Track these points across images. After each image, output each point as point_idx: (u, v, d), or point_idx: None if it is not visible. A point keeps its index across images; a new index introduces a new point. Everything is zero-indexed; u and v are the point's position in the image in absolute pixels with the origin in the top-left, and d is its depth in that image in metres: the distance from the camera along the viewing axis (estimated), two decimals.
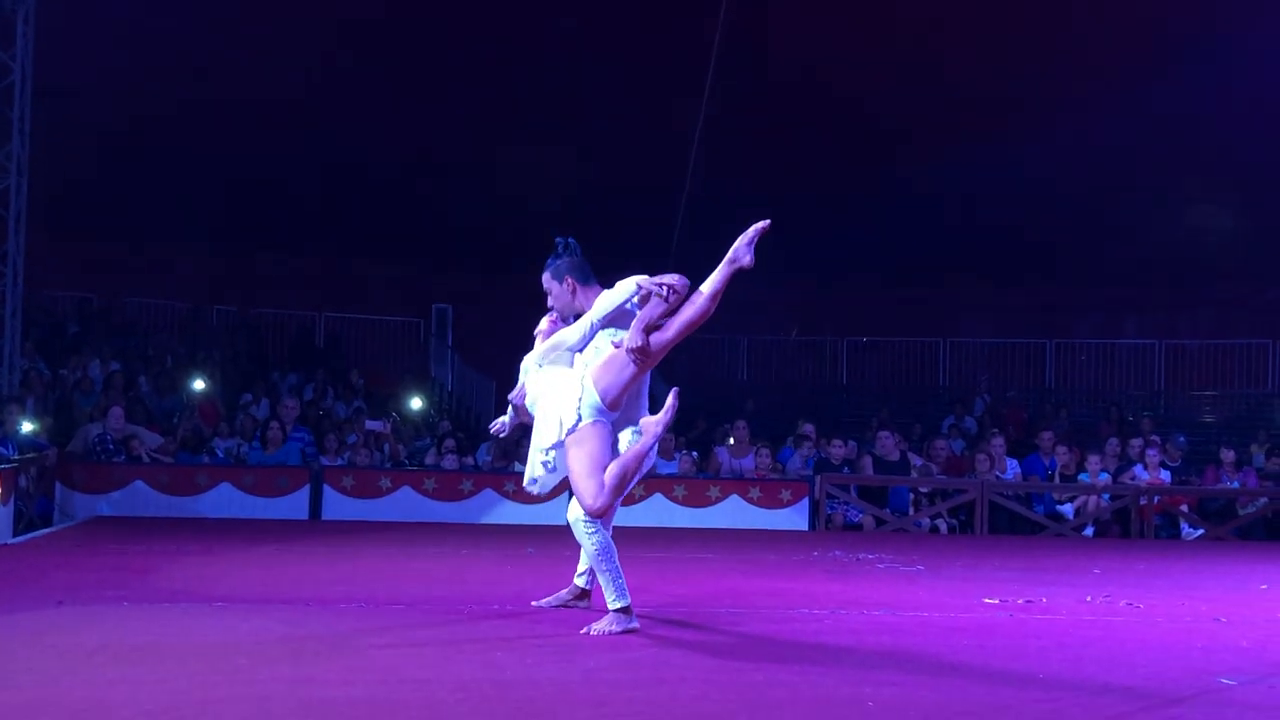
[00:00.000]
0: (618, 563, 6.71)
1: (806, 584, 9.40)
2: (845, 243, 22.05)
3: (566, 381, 6.83)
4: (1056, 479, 16.62)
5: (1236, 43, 18.09)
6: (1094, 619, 7.78)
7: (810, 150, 20.96)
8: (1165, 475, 16.63)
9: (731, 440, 16.90)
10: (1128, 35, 18.71)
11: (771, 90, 20.07)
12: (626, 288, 6.86)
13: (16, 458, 12.83)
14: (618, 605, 6.65)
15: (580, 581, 7.56)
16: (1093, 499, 16.23)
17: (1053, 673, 5.84)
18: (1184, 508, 16.26)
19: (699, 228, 20.88)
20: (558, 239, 7.12)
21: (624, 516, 13.00)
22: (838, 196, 21.44)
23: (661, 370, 19.79)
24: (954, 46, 19.06)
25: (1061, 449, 16.95)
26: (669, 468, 15.87)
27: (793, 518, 15.50)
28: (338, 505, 14.92)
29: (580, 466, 6.62)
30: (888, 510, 15.89)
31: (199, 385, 17.41)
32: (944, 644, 6.63)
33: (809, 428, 17.26)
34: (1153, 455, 16.75)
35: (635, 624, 6.65)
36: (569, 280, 7.05)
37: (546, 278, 7.13)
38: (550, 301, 7.15)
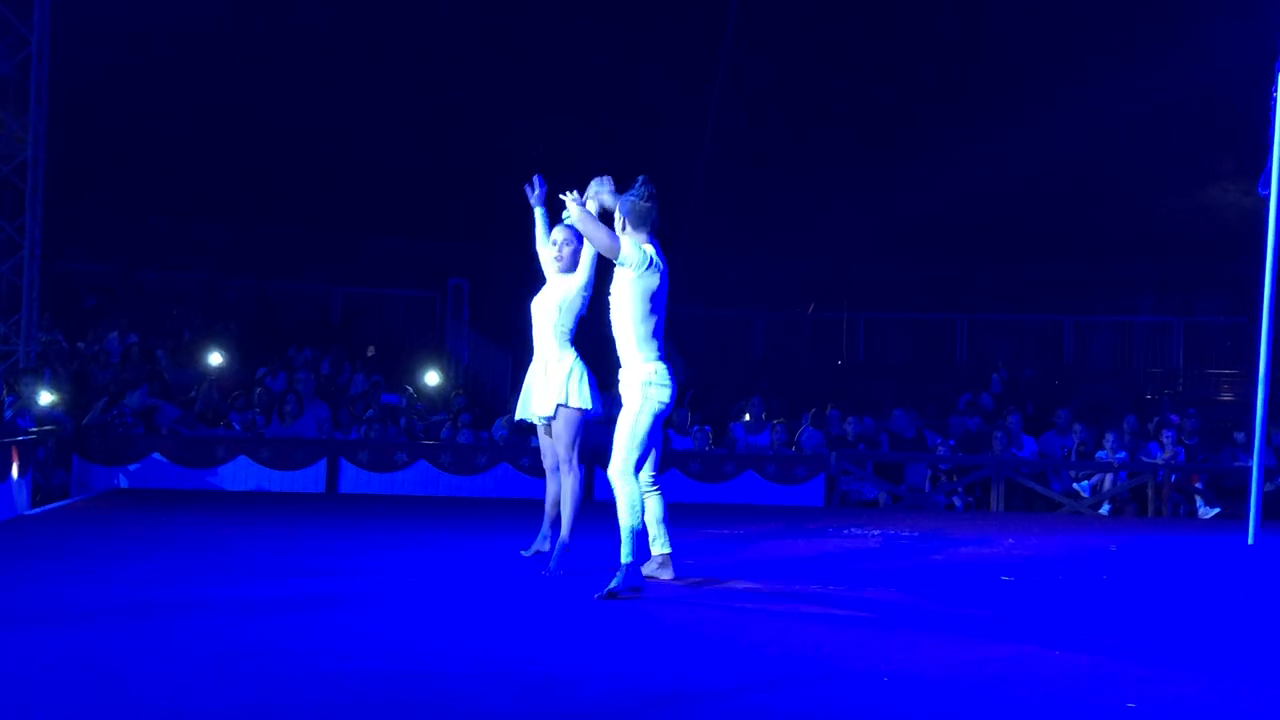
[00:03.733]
0: (642, 520, 7.23)
1: (820, 561, 9.40)
2: (863, 219, 22.01)
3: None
4: (1073, 457, 16.57)
5: (1254, 11, 17.97)
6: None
7: (828, 128, 20.90)
8: (1181, 453, 16.58)
9: (747, 416, 16.88)
10: (1142, 5, 18.64)
11: (788, 68, 20.01)
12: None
13: (34, 430, 12.87)
14: (629, 560, 7.08)
15: (658, 549, 7.76)
16: (1109, 477, 16.19)
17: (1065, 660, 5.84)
18: (1199, 485, 16.21)
19: (716, 203, 20.84)
20: (641, 178, 7.50)
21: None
22: (855, 174, 21.39)
23: (678, 344, 19.77)
24: (972, 21, 18.99)
25: (1078, 427, 16.90)
26: (684, 443, 15.85)
27: (808, 494, 15.49)
28: (354, 479, 14.95)
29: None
30: (903, 487, 15.87)
31: (216, 359, 17.44)
32: (955, 622, 6.63)
33: (834, 413, 17.15)
34: (1169, 436, 16.68)
35: (641, 583, 7.15)
36: (621, 218, 7.48)
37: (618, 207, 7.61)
38: (615, 228, 7.59)
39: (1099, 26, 19.28)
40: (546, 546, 8.28)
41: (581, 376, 7.99)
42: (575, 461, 7.94)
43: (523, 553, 8.54)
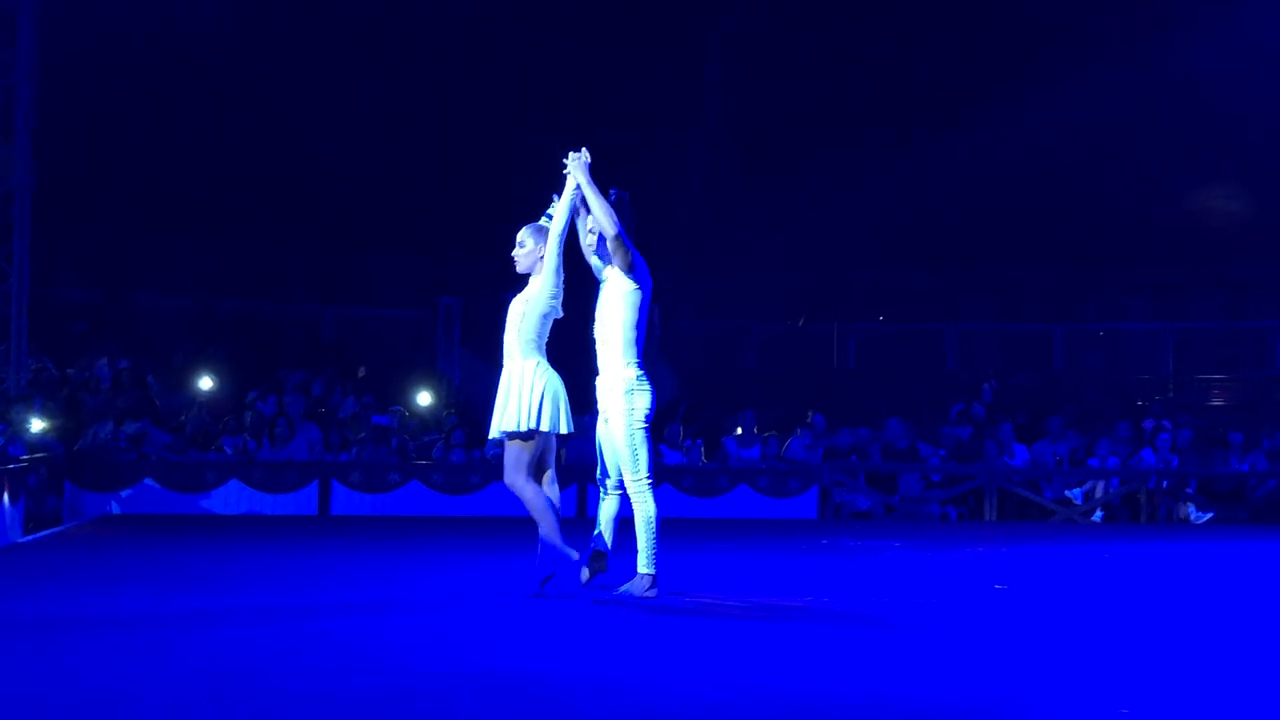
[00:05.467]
0: (657, 531, 7.40)
1: (816, 573, 9.40)
2: (853, 230, 22.07)
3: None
4: (1065, 464, 16.59)
5: (1248, 19, 18.07)
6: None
7: (815, 139, 20.98)
8: (1174, 459, 16.62)
9: (739, 430, 16.87)
10: (1131, 6, 18.77)
11: (776, 77, 20.09)
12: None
13: (25, 457, 12.83)
14: (649, 571, 7.35)
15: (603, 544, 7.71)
16: (1101, 484, 16.21)
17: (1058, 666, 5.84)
18: (1189, 490, 16.25)
19: (707, 215, 20.88)
20: (612, 189, 7.52)
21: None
22: (844, 185, 21.47)
23: (669, 358, 19.88)
24: (950, 23, 19.10)
25: (1070, 434, 16.91)
26: (677, 458, 15.84)
27: (801, 507, 15.48)
28: (346, 500, 14.92)
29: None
30: (896, 498, 15.87)
31: (206, 383, 17.40)
32: (953, 632, 6.63)
33: (819, 418, 17.15)
34: (1164, 440, 16.73)
35: (655, 591, 7.36)
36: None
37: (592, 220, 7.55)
38: (589, 243, 7.60)
39: (1083, 25, 19.43)
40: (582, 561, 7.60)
41: (553, 395, 7.35)
42: (528, 480, 7.37)
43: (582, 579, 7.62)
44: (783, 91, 20.42)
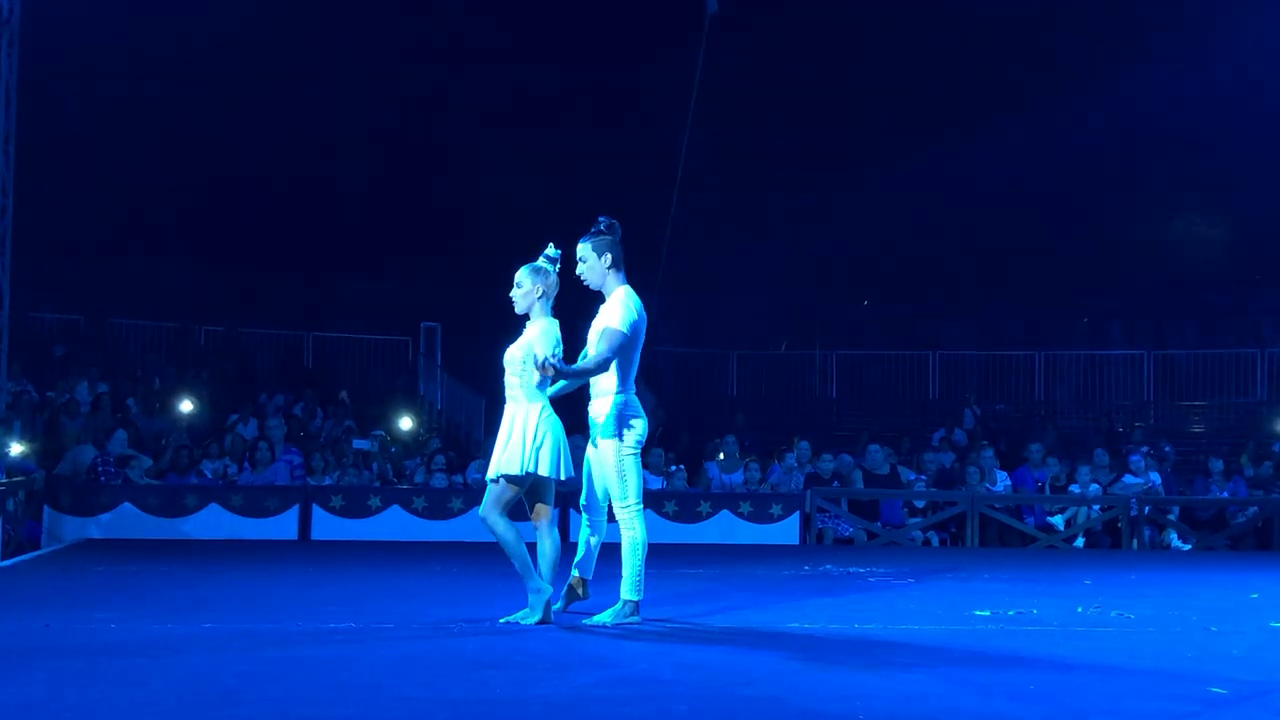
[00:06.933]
0: (644, 558, 7.45)
1: (798, 599, 9.39)
2: (834, 256, 22.17)
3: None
4: (1046, 491, 16.62)
5: (1223, 50, 18.25)
6: (1085, 630, 7.77)
7: (795, 164, 21.09)
8: (1155, 479, 16.71)
9: (721, 455, 16.87)
10: (1109, 36, 18.95)
11: (752, 105, 20.22)
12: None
13: (4, 481, 12.76)
14: (633, 597, 7.40)
15: (577, 571, 7.74)
16: (1083, 510, 16.24)
17: (1044, 685, 5.84)
18: (1171, 517, 16.30)
19: (686, 240, 20.93)
20: (601, 218, 7.54)
21: (615, 532, 12.90)
22: (827, 212, 21.59)
23: (651, 384, 19.90)
24: (933, 55, 19.25)
25: (1051, 461, 16.97)
26: (659, 483, 15.82)
27: (784, 532, 15.46)
28: (327, 525, 14.85)
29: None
30: (878, 524, 15.87)
31: (187, 406, 17.35)
32: (935, 657, 6.62)
33: (804, 445, 17.14)
34: (1137, 461, 16.83)
35: (639, 618, 7.39)
36: (608, 256, 7.51)
37: (585, 248, 7.53)
38: (579, 270, 7.54)
39: (1065, 59, 19.64)
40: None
41: (555, 440, 7.36)
42: (500, 516, 7.35)
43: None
44: (766, 115, 20.58)
